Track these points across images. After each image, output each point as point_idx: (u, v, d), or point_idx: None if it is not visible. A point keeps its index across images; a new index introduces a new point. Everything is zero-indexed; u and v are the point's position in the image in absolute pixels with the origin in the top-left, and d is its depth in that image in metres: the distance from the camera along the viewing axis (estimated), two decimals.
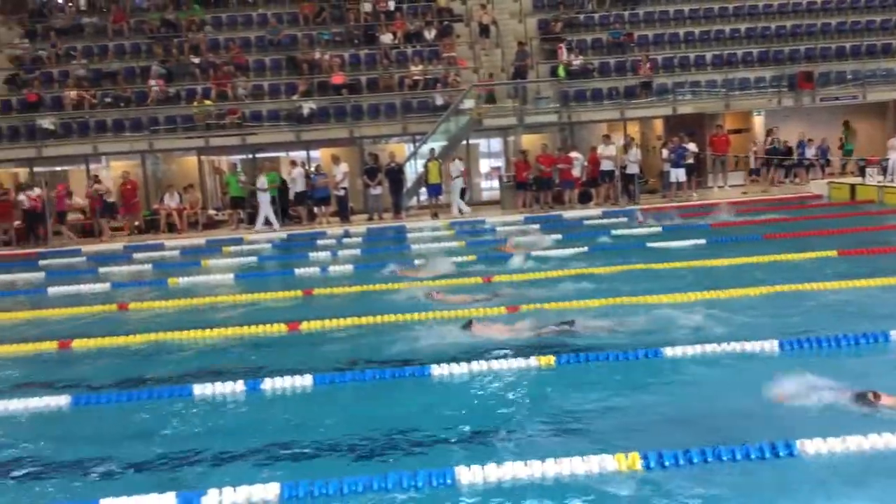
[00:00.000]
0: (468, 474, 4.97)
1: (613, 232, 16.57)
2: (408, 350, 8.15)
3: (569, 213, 20.13)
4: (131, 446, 5.90)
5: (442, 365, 7.28)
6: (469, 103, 23.13)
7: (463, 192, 22.11)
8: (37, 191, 21.03)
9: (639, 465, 5.08)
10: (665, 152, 21.90)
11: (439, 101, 23.86)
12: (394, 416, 6.28)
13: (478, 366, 7.32)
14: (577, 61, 25.13)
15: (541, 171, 21.42)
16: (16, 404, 6.95)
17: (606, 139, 22.00)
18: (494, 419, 6.15)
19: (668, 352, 7.47)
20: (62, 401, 6.98)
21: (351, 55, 26.32)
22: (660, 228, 16.45)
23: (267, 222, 21.04)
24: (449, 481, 4.93)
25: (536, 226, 18.14)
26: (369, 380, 7.30)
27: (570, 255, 13.77)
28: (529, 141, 23.84)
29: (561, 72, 24.56)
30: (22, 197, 21.22)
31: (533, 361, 7.36)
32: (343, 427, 6.12)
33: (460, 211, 21.58)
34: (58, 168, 25.36)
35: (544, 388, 6.86)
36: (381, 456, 5.51)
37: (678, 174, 21.46)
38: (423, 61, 25.62)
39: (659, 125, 26.08)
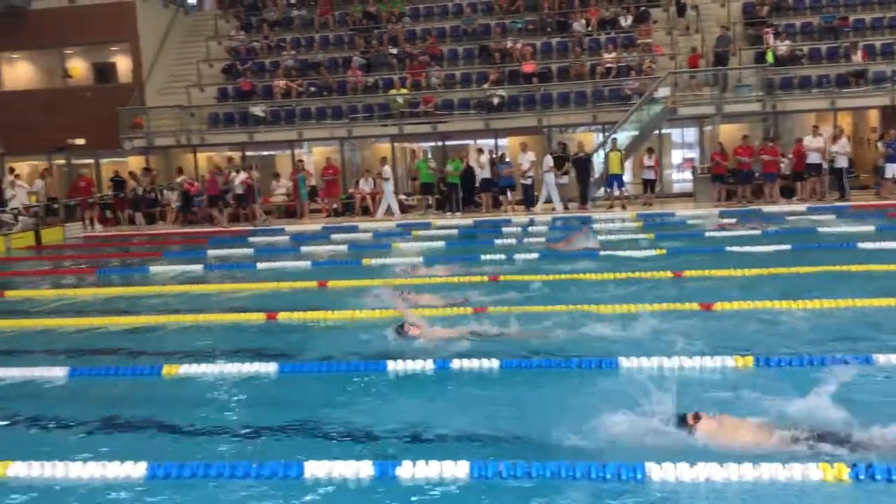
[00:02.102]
0: (659, 471, 4.85)
1: (820, 230, 15.49)
2: (596, 339, 8.07)
3: (769, 208, 19.01)
4: (331, 414, 6.25)
5: (631, 358, 7.13)
6: (664, 91, 22.38)
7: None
8: (242, 175, 22.69)
9: (846, 475, 4.74)
10: (881, 145, 20.14)
11: (634, 86, 23.29)
12: (582, 406, 6.20)
13: (668, 361, 7.10)
14: (784, 46, 23.63)
15: (740, 163, 20.39)
16: (230, 368, 7.57)
17: (815, 130, 20.55)
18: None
19: (881, 358, 6.90)
20: (270, 367, 7.52)
21: (543, 43, 26.28)
22: (872, 227, 15.19)
23: (389, 211, 21.55)
24: (639, 476, 4.83)
25: (733, 220, 17.29)
26: (554, 367, 7.29)
27: (770, 253, 13.02)
28: (727, 131, 22.74)
29: (769, 57, 23.16)
30: (179, 180, 23.31)
31: (729, 361, 7.04)
32: (529, 413, 6.14)
33: (526, 206, 21.13)
34: (265, 153, 27.28)
35: (740, 390, 6.53)
36: (565, 444, 5.47)
37: (895, 169, 19.67)
38: (617, 48, 25.09)
39: (874, 116, 24.00)
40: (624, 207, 20.78)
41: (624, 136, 22.02)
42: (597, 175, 21.95)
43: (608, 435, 5.49)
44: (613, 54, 24.65)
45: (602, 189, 22.23)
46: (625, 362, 7.11)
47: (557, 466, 4.90)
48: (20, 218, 21.67)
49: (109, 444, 5.90)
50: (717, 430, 5.30)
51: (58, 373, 7.77)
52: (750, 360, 7.07)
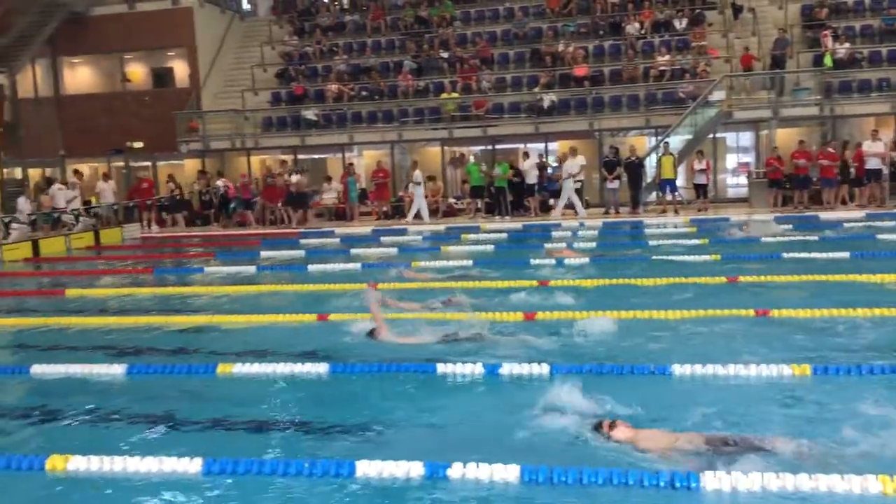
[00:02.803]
0: (714, 481, 4.77)
1: (879, 237, 15.09)
2: (648, 345, 7.98)
3: (826, 215, 18.59)
4: (382, 414, 6.28)
5: (685, 365, 7.04)
6: (719, 94, 22.04)
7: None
8: (296, 177, 23.06)
9: None
10: None
11: (688, 89, 23.01)
12: (635, 413, 6.12)
13: (722, 369, 6.99)
14: (843, 49, 23.09)
15: (797, 168, 19.98)
16: (282, 368, 7.67)
17: (874, 134, 20.02)
18: (740, 426, 5.80)
19: None
20: (321, 368, 7.60)
21: (595, 46, 26.12)
22: None
23: (418, 215, 21.71)
24: (693, 485, 4.76)
25: (788, 226, 16.97)
26: (606, 373, 7.20)
27: (827, 260, 12.72)
28: (783, 135, 22.30)
29: (828, 60, 22.66)
30: (219, 183, 23.77)
31: (786, 369, 6.90)
32: (580, 418, 6.07)
33: (575, 211, 20.98)
34: (316, 156, 27.59)
35: (797, 399, 6.40)
36: (621, 451, 5.42)
37: None
38: (671, 51, 24.81)
39: None
40: (676, 212, 20.53)
41: (677, 140, 21.76)
42: (649, 179, 21.74)
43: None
44: (667, 57, 24.37)
45: (654, 193, 22.00)
46: (678, 369, 7.02)
47: (609, 473, 4.86)
48: (80, 219, 22.28)
49: (166, 440, 6.03)
50: (633, 437, 5.36)
51: (116, 370, 7.96)
52: (807, 368, 6.92)
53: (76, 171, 26.07)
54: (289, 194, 22.79)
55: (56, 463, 5.45)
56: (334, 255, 16.61)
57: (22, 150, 28.22)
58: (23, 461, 5.53)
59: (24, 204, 21.51)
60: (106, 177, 25.34)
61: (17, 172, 28.83)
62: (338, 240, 19.59)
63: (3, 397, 7.60)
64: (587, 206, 22.12)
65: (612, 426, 5.39)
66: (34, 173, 29.32)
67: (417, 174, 22.03)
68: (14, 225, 20.36)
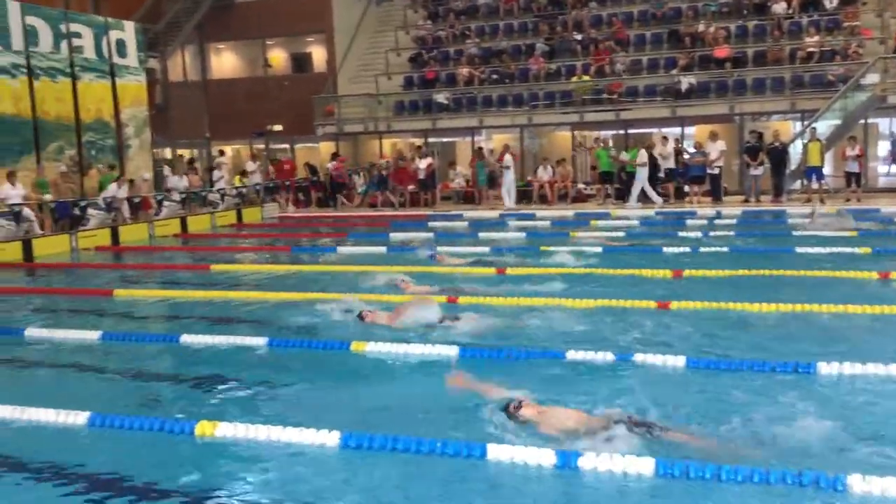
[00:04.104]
0: (862, 485, 4.52)
1: None
2: (792, 341, 7.62)
3: None
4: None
5: (832, 363, 6.68)
6: (872, 77, 20.66)
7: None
8: (426, 161, 23.35)
9: None
10: None
11: (838, 71, 21.70)
12: (775, 411, 5.87)
13: (872, 368, 6.58)
14: None
15: None
16: (413, 349, 7.75)
17: None
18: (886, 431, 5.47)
19: None
20: (451, 351, 7.66)
21: (738, 27, 25.03)
22: None
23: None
24: (839, 488, 4.52)
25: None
26: (745, 369, 6.94)
27: None
28: None
29: None
30: (328, 165, 24.58)
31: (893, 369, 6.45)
32: (716, 413, 5.88)
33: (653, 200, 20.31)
34: (445, 139, 27.85)
35: None
36: (754, 449, 5.21)
37: None
38: (821, 31, 23.44)
39: None
40: (822, 202, 19.44)
41: (824, 126, 20.59)
42: (793, 167, 20.69)
43: (802, 442, 5.18)
44: (816, 38, 23.05)
45: (799, 182, 20.92)
46: (824, 368, 6.66)
47: (750, 472, 4.68)
48: (225, 198, 23.43)
49: (303, 411, 6.25)
50: (538, 416, 5.38)
51: (258, 342, 8.34)
52: None
53: (221, 152, 27.41)
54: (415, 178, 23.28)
55: (205, 428, 5.77)
56: (463, 238, 16.74)
57: (171, 131, 29.93)
58: (175, 425, 5.89)
59: (176, 182, 22.84)
60: (254, 157, 26.55)
61: (167, 152, 30.65)
62: (466, 223, 19.71)
63: (156, 364, 8.11)
64: (726, 193, 21.30)
65: (518, 406, 5.50)
66: (182, 154, 31.07)
67: (508, 158, 21.92)
68: (165, 202, 21.64)
